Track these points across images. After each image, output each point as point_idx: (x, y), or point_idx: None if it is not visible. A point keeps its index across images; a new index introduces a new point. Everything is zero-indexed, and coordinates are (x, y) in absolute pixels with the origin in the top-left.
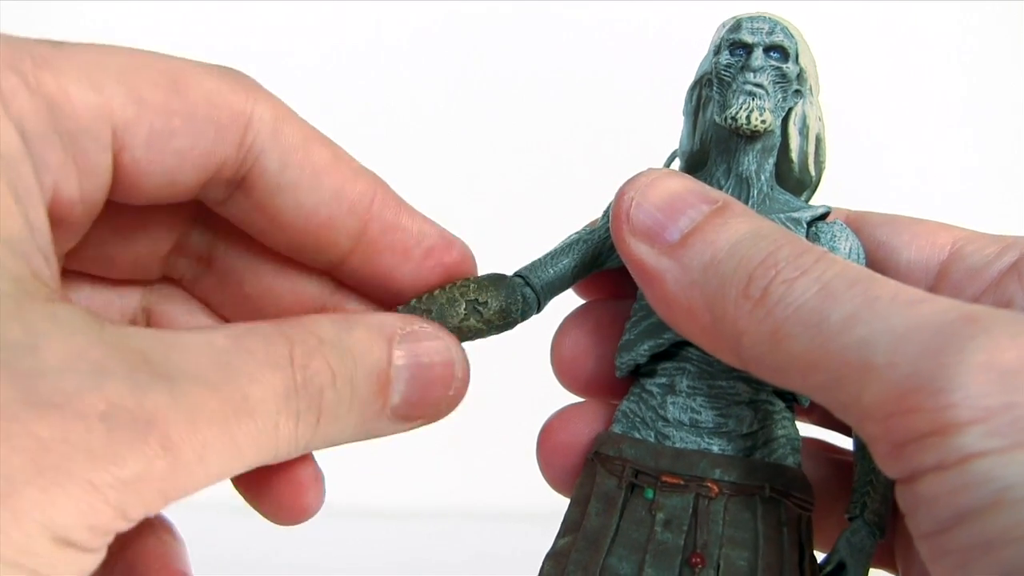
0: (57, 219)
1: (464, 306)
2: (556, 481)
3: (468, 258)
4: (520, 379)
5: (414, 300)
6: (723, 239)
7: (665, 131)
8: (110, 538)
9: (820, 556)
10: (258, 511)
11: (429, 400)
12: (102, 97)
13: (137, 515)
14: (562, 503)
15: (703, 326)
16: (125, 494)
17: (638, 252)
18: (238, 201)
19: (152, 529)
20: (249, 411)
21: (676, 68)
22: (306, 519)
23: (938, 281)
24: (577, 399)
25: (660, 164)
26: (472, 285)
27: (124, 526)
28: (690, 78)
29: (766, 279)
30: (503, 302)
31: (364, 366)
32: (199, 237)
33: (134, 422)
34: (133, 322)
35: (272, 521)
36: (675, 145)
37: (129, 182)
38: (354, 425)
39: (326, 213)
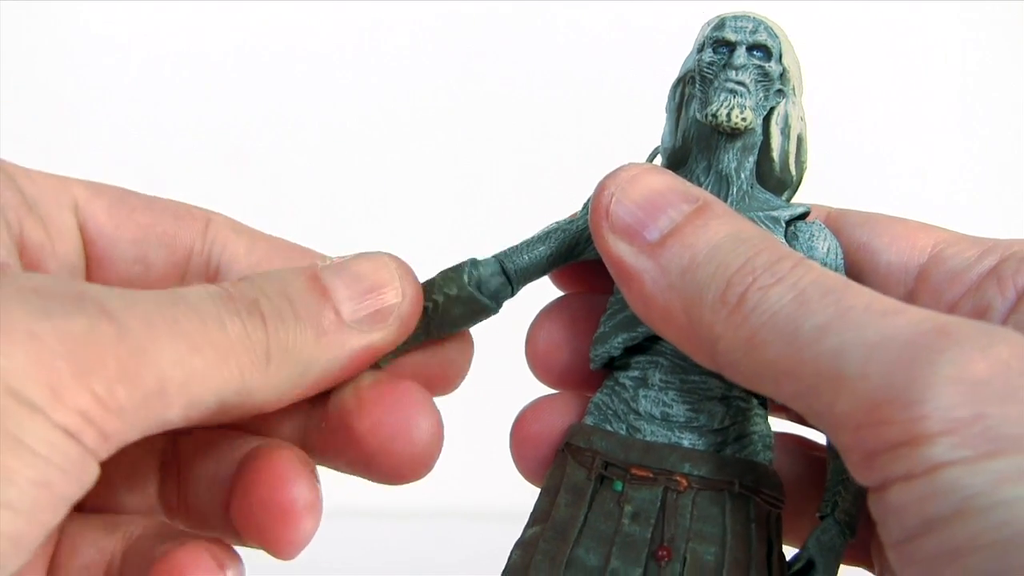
0: (29, 265)
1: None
2: (529, 471)
3: None
4: (520, 380)
5: None
6: (702, 242)
7: (653, 127)
8: (86, 428)
9: (794, 551)
10: (254, 540)
11: (380, 303)
12: (60, 179)
13: (103, 390)
14: None
15: (679, 327)
16: (78, 352)
17: (617, 250)
18: None
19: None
20: (187, 302)
21: (666, 64)
22: (298, 538)
23: (918, 284)
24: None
25: (644, 159)
26: None
27: (95, 408)
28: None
29: (743, 285)
30: (448, 270)
31: (294, 284)
32: None
33: (66, 294)
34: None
35: (272, 550)
36: (659, 141)
37: (101, 254)
38: (314, 336)
39: None
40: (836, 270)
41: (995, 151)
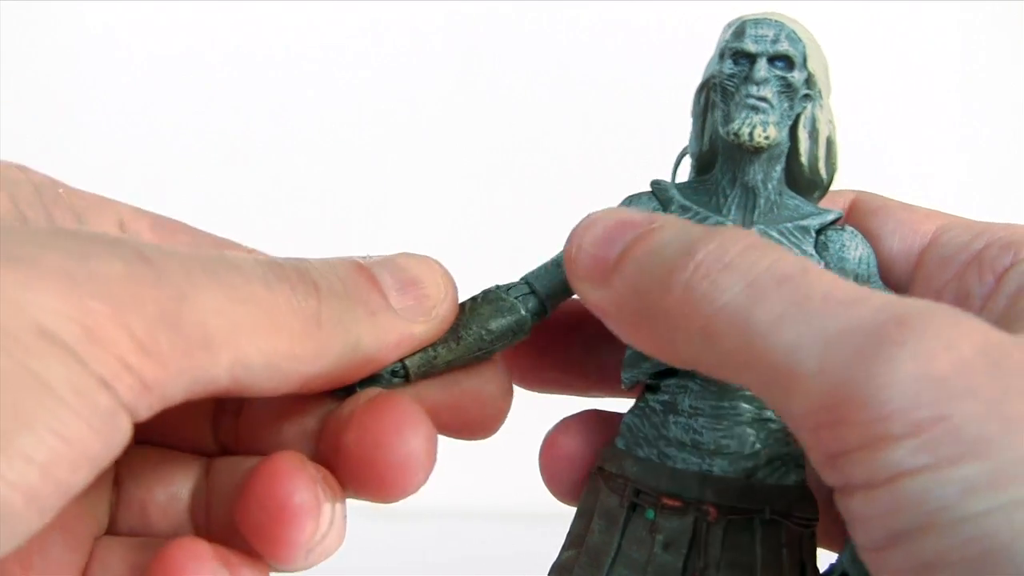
0: None
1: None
2: (561, 493)
3: None
4: None
5: None
6: (645, 250)
7: (672, 132)
8: (122, 374)
9: (832, 557)
10: (255, 543)
11: (423, 296)
12: (105, 198)
13: (143, 332)
14: (562, 505)
15: (647, 339)
16: (115, 293)
17: (585, 294)
18: None
19: None
20: (228, 261)
21: (681, 68)
22: (295, 539)
23: (916, 271)
24: (575, 410)
25: (670, 164)
26: None
27: (134, 354)
28: (693, 79)
29: (686, 271)
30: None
31: (342, 267)
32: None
33: (101, 239)
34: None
35: (270, 553)
36: (684, 144)
37: None
38: (365, 314)
39: None
40: (868, 279)
41: (995, 144)
